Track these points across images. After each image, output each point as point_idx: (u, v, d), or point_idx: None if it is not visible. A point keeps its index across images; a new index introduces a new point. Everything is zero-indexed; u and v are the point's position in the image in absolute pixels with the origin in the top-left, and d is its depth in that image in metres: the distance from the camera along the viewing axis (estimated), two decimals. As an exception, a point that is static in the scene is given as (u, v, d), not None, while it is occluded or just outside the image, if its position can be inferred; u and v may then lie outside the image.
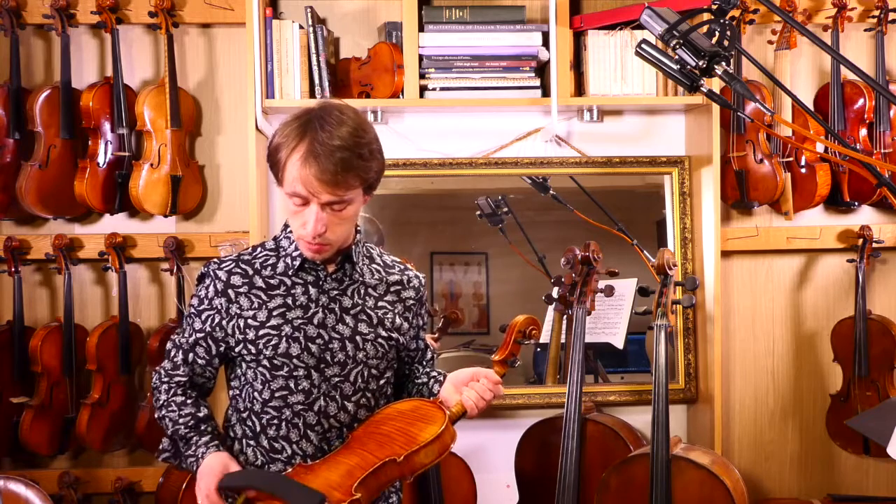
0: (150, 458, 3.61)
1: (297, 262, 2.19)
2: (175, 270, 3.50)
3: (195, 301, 2.22)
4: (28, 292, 3.59)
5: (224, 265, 2.21)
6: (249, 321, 2.16)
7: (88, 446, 3.52)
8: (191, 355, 2.22)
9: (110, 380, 3.49)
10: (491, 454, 3.59)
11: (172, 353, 2.25)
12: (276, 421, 2.17)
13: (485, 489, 3.46)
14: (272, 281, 2.19)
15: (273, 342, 2.14)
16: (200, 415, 2.21)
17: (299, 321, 2.16)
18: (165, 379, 2.24)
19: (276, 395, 2.16)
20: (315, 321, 2.17)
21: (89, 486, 3.59)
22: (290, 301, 2.17)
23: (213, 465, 2.12)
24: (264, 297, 2.17)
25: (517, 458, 3.41)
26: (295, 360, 2.15)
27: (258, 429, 2.19)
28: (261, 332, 2.15)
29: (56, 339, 3.49)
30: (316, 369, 2.16)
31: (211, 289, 2.19)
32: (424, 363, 2.39)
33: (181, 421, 2.19)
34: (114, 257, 3.50)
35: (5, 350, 3.49)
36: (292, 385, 2.16)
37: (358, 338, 2.20)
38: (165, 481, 3.43)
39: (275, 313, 2.16)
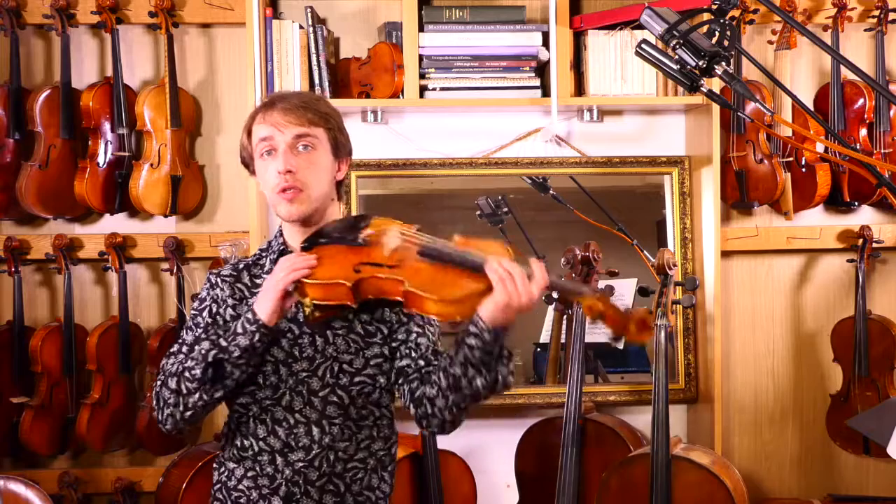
0: (150, 458, 3.61)
1: (275, 257, 2.18)
2: (175, 270, 3.50)
3: (195, 303, 2.21)
4: (28, 292, 3.58)
5: (224, 269, 2.25)
6: (229, 311, 2.15)
7: (88, 446, 3.52)
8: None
9: (110, 380, 3.49)
10: (491, 454, 3.59)
11: (175, 349, 2.15)
12: (244, 418, 2.14)
13: (485, 489, 3.46)
14: (258, 280, 2.19)
15: None
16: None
17: None
18: (172, 361, 2.09)
19: (245, 390, 2.13)
20: (287, 315, 2.12)
21: (89, 486, 3.59)
22: None
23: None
24: (247, 294, 2.17)
25: (517, 458, 3.41)
26: (264, 354, 2.10)
27: (233, 426, 2.17)
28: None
29: (56, 339, 3.49)
30: (283, 364, 2.12)
31: (208, 286, 2.21)
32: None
33: (205, 344, 2.06)
34: (114, 257, 3.49)
35: (5, 350, 3.49)
36: (260, 380, 2.12)
37: (328, 332, 2.14)
38: (165, 481, 3.42)
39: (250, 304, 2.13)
